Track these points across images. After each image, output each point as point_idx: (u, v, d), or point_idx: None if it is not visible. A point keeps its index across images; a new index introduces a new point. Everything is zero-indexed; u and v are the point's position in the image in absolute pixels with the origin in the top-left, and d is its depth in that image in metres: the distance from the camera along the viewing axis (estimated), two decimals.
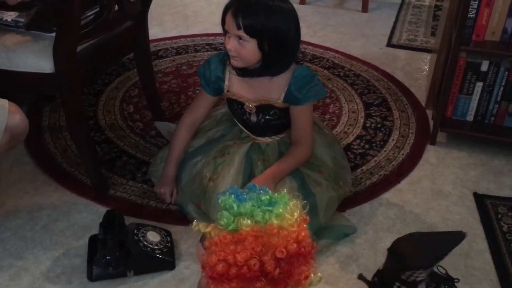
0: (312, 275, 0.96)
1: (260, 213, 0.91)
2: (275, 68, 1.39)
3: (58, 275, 1.33)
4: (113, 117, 2.01)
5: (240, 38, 1.32)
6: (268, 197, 0.94)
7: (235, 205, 0.92)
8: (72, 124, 1.53)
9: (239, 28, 1.30)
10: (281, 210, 0.92)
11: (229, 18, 1.31)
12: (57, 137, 1.87)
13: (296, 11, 1.36)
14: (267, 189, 0.97)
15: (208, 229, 0.93)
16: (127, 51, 1.85)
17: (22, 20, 1.45)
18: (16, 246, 1.41)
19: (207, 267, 0.91)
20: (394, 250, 1.24)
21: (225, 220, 0.92)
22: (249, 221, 0.90)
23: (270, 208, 0.92)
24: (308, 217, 0.98)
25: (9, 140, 1.29)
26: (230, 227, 0.91)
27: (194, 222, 0.95)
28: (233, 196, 0.94)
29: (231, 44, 1.33)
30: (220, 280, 0.90)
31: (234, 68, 1.42)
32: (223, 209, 0.93)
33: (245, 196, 0.94)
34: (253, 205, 0.92)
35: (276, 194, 0.96)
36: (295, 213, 0.93)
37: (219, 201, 0.94)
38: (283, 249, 0.89)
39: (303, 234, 0.92)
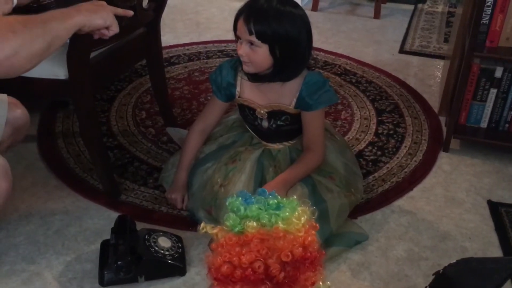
0: (320, 282, 0.95)
1: (267, 216, 0.91)
2: (287, 73, 1.39)
3: (69, 280, 1.34)
4: (126, 123, 2.02)
5: (251, 43, 1.32)
6: (276, 201, 0.94)
7: (242, 208, 0.93)
8: (85, 129, 1.54)
9: (250, 33, 1.30)
10: (287, 214, 0.92)
11: (241, 24, 1.32)
12: (70, 142, 1.89)
13: (307, 17, 1.36)
14: (276, 194, 0.97)
15: (215, 231, 0.94)
16: (140, 58, 1.86)
17: None
18: (28, 251, 1.42)
19: (212, 268, 0.91)
20: (446, 276, 1.14)
21: (231, 221, 0.92)
22: (255, 224, 0.91)
23: (277, 212, 0.92)
24: (317, 225, 0.97)
25: (12, 133, 1.31)
26: (236, 229, 0.92)
27: (202, 224, 0.95)
28: (240, 198, 0.94)
29: (243, 50, 1.34)
30: (224, 282, 0.90)
31: (246, 73, 1.42)
32: (231, 211, 0.93)
33: (253, 199, 0.94)
34: (260, 208, 0.92)
35: (284, 199, 0.96)
36: (302, 218, 0.93)
37: (227, 203, 0.95)
38: (289, 253, 0.89)
39: (309, 239, 0.92)
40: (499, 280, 1.10)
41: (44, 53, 1.07)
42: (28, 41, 1.02)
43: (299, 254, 0.90)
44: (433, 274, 1.16)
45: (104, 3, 1.21)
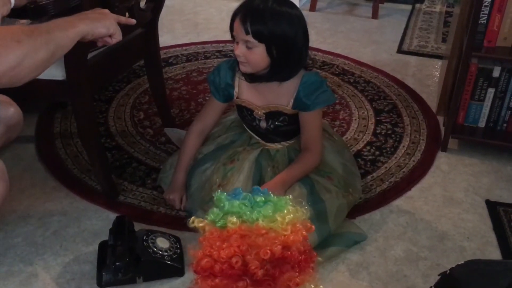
0: (312, 285, 0.95)
1: (248, 213, 0.92)
2: (284, 73, 1.39)
3: (68, 281, 1.34)
4: (124, 124, 2.02)
5: (248, 43, 1.32)
6: (263, 199, 0.94)
7: (226, 203, 0.93)
8: (83, 130, 1.54)
9: (247, 33, 1.30)
10: (269, 212, 0.92)
11: (237, 24, 1.32)
12: (68, 143, 1.89)
13: (304, 17, 1.36)
14: (269, 192, 0.97)
15: (202, 224, 0.94)
16: (138, 58, 1.86)
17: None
18: (26, 252, 1.42)
19: (194, 261, 0.92)
20: (453, 278, 1.11)
21: (211, 216, 0.92)
22: (235, 219, 0.91)
23: (259, 208, 0.93)
24: (313, 226, 0.97)
25: (5, 132, 1.32)
26: (219, 224, 0.92)
27: (192, 218, 0.96)
28: (225, 194, 0.95)
29: (240, 50, 1.34)
30: (205, 275, 0.91)
31: (243, 74, 1.42)
32: (215, 206, 0.94)
33: (241, 196, 0.95)
34: (245, 205, 0.93)
35: (275, 197, 0.96)
36: (287, 217, 0.93)
37: (214, 198, 0.95)
38: (268, 251, 0.89)
39: (292, 238, 0.91)
40: (506, 283, 1.07)
41: (47, 63, 1.07)
42: (32, 51, 1.02)
43: (278, 253, 0.89)
44: (438, 275, 1.15)
45: (107, 11, 1.22)
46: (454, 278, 1.10)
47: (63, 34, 1.08)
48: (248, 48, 1.33)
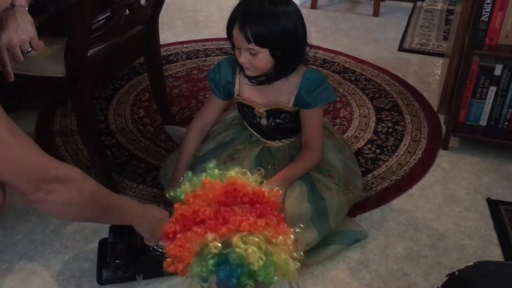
0: (280, 237, 1.04)
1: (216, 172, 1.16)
2: (289, 69, 1.39)
3: (67, 279, 1.34)
4: (124, 121, 2.02)
5: (251, 50, 1.31)
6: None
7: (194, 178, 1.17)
8: (83, 128, 1.54)
9: (249, 42, 1.29)
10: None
11: (237, 33, 1.31)
12: (68, 140, 1.89)
13: (299, 8, 1.36)
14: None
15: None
16: (138, 56, 1.86)
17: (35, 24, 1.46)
18: (26, 249, 1.42)
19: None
20: (461, 279, 1.08)
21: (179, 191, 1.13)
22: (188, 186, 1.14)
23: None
24: (280, 191, 1.17)
25: None
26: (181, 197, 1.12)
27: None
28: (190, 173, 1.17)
29: (244, 57, 1.33)
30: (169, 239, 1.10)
31: (248, 78, 1.41)
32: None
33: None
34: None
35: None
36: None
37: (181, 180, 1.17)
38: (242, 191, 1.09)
39: (263, 190, 1.11)
40: None
41: (79, 220, 1.12)
42: (80, 209, 1.01)
43: (250, 193, 1.09)
44: (446, 276, 1.14)
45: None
46: (462, 280, 1.08)
47: (118, 217, 1.13)
48: (252, 54, 1.32)
